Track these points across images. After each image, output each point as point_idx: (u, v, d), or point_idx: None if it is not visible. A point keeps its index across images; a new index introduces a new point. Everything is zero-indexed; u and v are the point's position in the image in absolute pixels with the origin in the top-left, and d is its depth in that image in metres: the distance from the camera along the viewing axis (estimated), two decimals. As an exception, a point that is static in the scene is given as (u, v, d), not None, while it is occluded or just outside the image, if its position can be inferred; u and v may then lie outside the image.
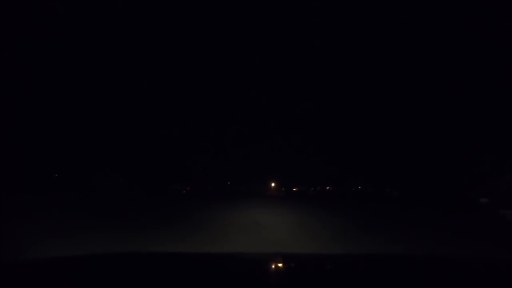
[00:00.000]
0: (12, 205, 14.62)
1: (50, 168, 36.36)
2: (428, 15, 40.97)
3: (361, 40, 57.92)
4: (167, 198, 29.87)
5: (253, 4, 55.30)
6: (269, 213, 15.59)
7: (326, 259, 2.01)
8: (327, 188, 71.20)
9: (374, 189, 50.01)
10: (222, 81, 67.14)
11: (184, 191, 55.78)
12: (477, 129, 34.18)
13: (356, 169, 56.58)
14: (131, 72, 47.94)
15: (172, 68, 58.50)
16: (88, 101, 39.21)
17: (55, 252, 5.17)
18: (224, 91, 67.77)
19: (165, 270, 1.44)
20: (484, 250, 6.82)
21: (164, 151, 52.65)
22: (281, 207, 20.89)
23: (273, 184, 79.70)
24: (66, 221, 9.70)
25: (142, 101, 48.06)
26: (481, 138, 33.47)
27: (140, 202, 22.32)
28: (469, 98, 36.39)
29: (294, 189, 73.87)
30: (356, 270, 1.64)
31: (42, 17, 34.35)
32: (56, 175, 37.47)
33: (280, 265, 1.70)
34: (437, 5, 36.89)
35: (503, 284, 1.35)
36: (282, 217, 13.47)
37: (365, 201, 32.73)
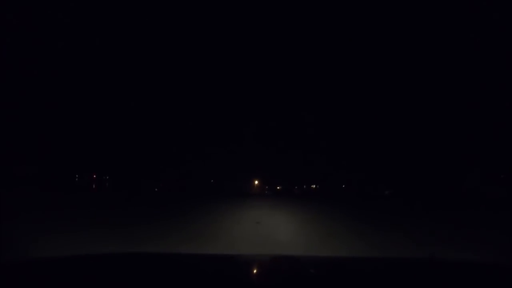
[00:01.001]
0: (11, 203, 14.55)
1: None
2: (426, 17, 40.80)
3: (350, 38, 57.81)
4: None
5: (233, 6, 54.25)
6: (265, 213, 14.89)
7: (324, 261, 2.02)
8: (313, 186, 70.98)
9: (365, 188, 49.74)
10: (208, 79, 65.71)
11: (156, 189, 49.50)
12: (469, 127, 34.45)
13: (344, 167, 56.51)
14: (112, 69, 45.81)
15: (156, 65, 56.32)
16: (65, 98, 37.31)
17: (54, 250, 5.27)
18: (210, 89, 66.33)
19: (163, 271, 1.45)
20: (483, 249, 6.67)
21: (147, 147, 50.65)
22: (270, 206, 19.92)
23: (256, 182, 79.11)
24: (65, 219, 9.80)
25: (124, 94, 46.00)
26: (474, 135, 33.73)
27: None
28: (459, 97, 36.68)
29: (278, 188, 73.38)
30: (354, 272, 1.62)
31: (39, 17, 32.38)
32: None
33: (277, 267, 1.77)
34: (437, 5, 36.68)
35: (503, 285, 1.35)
36: (274, 217, 12.88)
37: (357, 200, 31.95)
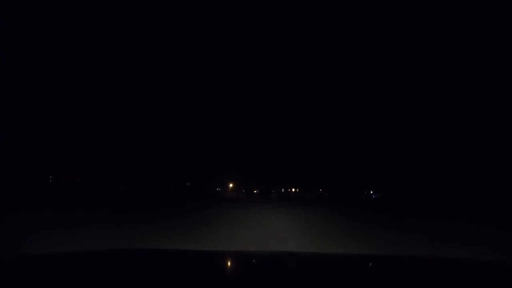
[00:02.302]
0: (11, 202, 14.19)
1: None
2: (424, 17, 41.33)
3: (326, 40, 58.90)
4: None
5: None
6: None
7: (324, 258, 2.02)
8: (292, 190, 71.30)
9: (351, 191, 50.41)
10: (184, 80, 64.43)
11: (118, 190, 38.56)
12: (455, 129, 35.62)
13: (329, 169, 57.11)
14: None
15: (128, 69, 54.35)
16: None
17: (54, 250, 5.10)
18: (186, 90, 65.05)
19: (163, 267, 1.47)
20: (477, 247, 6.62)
21: (122, 149, 48.60)
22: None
23: (231, 185, 78.27)
24: (64, 219, 9.63)
25: (98, 96, 44.08)
26: (460, 138, 34.88)
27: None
28: (447, 100, 37.91)
29: (255, 191, 73.16)
30: (354, 269, 1.62)
31: (39, 17, 30.72)
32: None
33: (277, 263, 1.76)
34: (436, 6, 37.43)
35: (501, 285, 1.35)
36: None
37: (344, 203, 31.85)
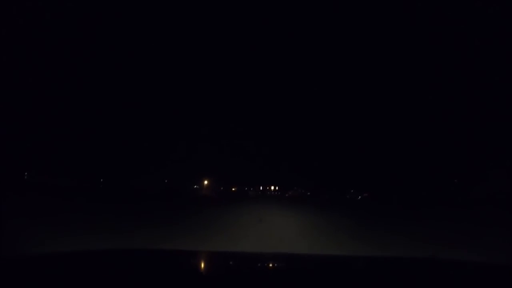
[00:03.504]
0: (13, 206, 13.04)
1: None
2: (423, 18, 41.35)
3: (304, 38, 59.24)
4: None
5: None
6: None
7: (325, 260, 2.02)
8: (273, 188, 71.61)
9: (334, 190, 50.88)
10: (160, 76, 62.73)
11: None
12: (447, 130, 36.19)
13: (313, 167, 57.01)
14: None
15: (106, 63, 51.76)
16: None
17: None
18: (164, 86, 63.41)
19: (163, 267, 1.48)
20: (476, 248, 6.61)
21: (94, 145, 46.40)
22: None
23: (206, 182, 77.17)
24: (65, 222, 9.50)
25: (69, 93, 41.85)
26: (452, 139, 35.46)
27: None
28: (433, 102, 38.42)
29: (233, 189, 72.93)
30: (355, 271, 1.64)
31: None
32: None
33: (278, 264, 1.78)
34: (436, 5, 37.62)
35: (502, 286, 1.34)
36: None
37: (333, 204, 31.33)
